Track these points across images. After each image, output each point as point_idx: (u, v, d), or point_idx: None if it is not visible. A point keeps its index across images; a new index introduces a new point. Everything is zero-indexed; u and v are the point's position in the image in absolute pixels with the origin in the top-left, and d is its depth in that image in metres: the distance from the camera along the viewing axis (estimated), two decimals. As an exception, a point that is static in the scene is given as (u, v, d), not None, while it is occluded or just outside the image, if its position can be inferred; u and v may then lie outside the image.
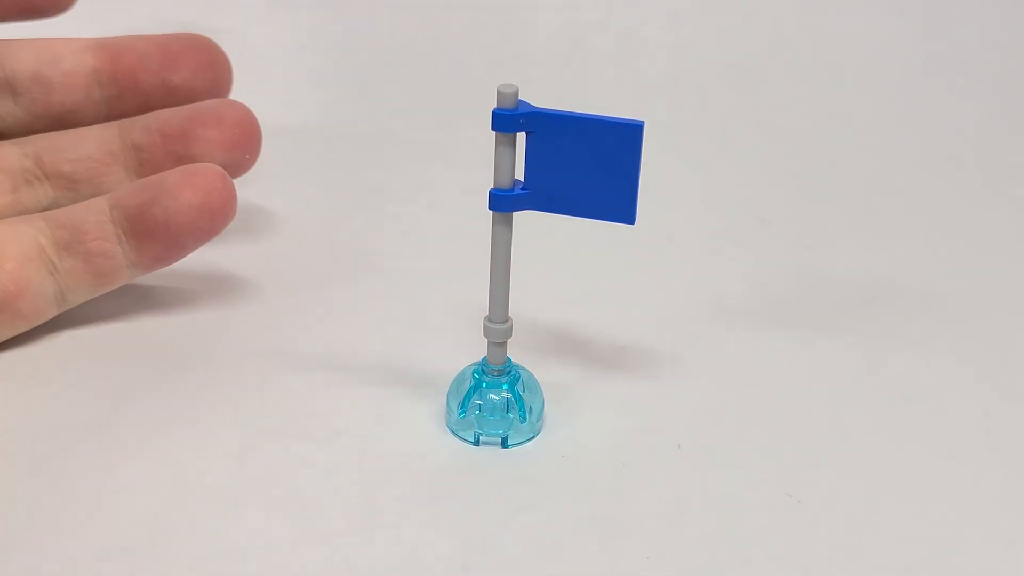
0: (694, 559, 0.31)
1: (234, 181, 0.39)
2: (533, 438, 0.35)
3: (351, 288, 0.42)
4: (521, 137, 0.32)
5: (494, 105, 0.31)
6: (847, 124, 0.55)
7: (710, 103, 0.57)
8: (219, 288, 0.42)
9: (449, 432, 0.35)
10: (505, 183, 0.32)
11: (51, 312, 0.38)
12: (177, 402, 0.36)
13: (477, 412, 0.34)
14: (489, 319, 0.34)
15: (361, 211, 0.48)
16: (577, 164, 0.32)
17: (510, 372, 0.35)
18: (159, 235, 0.38)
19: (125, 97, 0.42)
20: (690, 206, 0.49)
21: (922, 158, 0.53)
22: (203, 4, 0.57)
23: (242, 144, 0.41)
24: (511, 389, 0.35)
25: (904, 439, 0.35)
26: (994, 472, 0.34)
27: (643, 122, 0.31)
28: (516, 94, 0.31)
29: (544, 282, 0.42)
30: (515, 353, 0.36)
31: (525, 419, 0.35)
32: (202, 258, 0.42)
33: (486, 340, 0.34)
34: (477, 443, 0.35)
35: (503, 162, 0.32)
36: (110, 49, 0.42)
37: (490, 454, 0.34)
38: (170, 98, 0.42)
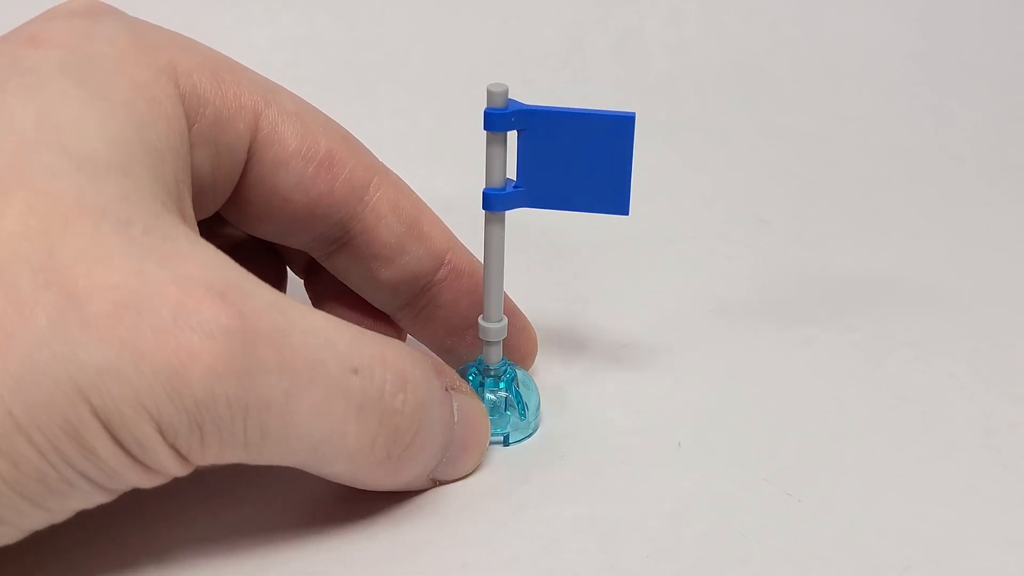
0: (694, 559, 0.31)
1: None
2: (531, 435, 0.35)
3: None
4: (512, 135, 0.32)
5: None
6: (847, 124, 0.56)
7: (710, 103, 0.57)
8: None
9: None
10: (497, 182, 0.32)
11: None
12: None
13: (477, 412, 0.34)
14: (484, 319, 0.34)
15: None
16: (569, 159, 0.32)
17: (506, 371, 0.35)
18: None
19: (411, 306, 0.35)
20: (690, 206, 0.49)
21: (922, 157, 0.53)
22: (204, 4, 0.57)
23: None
24: (508, 387, 0.35)
25: (904, 439, 0.35)
26: (994, 472, 0.34)
27: (634, 114, 0.31)
28: (506, 93, 0.31)
29: (544, 281, 0.42)
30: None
31: (524, 416, 0.35)
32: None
33: (481, 340, 0.34)
34: (477, 443, 0.35)
35: (495, 161, 0.32)
36: (461, 270, 0.35)
37: (489, 453, 0.34)
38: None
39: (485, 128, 0.31)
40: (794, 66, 0.58)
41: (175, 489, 0.32)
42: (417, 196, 0.35)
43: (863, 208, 0.49)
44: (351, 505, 0.32)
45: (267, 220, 0.33)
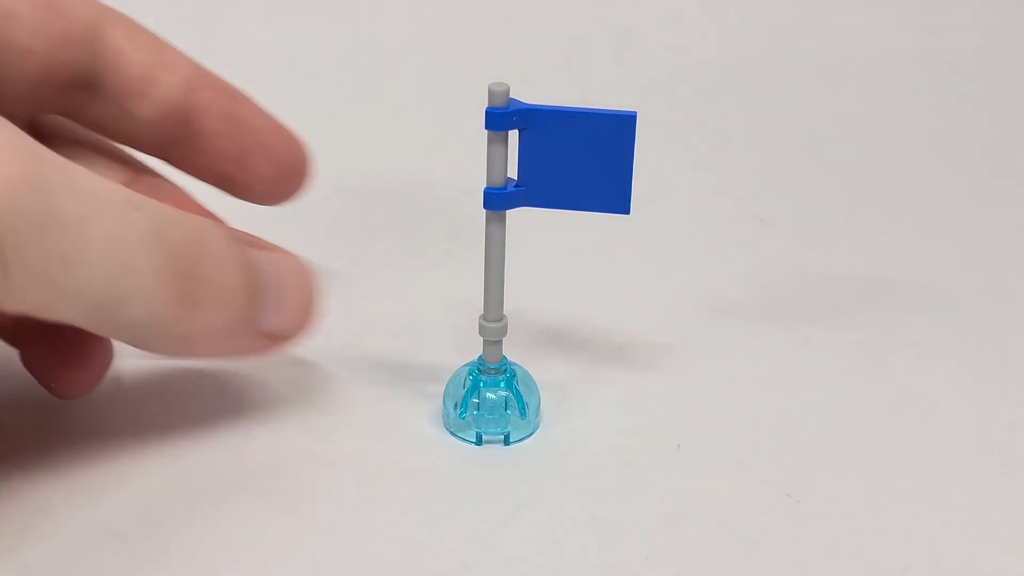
0: (694, 559, 0.31)
1: None
2: (532, 434, 0.35)
3: (350, 286, 0.42)
4: (513, 135, 0.32)
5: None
6: (847, 124, 0.55)
7: (710, 103, 0.56)
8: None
9: (447, 432, 0.35)
10: (498, 182, 0.32)
11: None
12: (175, 394, 0.36)
13: (476, 412, 0.34)
14: (484, 317, 0.34)
15: (360, 210, 0.48)
16: (570, 158, 0.32)
17: (506, 370, 0.35)
18: None
19: (180, 140, 0.36)
20: (690, 206, 0.49)
21: (923, 157, 0.53)
22: (204, 4, 0.57)
23: (288, 183, 0.38)
24: (509, 386, 0.35)
25: (904, 439, 0.35)
26: (994, 472, 0.34)
27: (635, 113, 0.31)
28: (507, 92, 0.31)
29: (543, 281, 0.42)
30: (515, 352, 0.36)
31: (524, 416, 0.35)
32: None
33: (482, 339, 0.34)
34: (479, 443, 0.35)
35: (495, 160, 0.32)
36: (218, 92, 0.36)
37: (489, 453, 0.34)
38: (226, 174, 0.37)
39: (486, 127, 0.31)
40: (794, 66, 0.58)
41: (174, 487, 0.32)
42: (152, 32, 0.36)
43: (863, 208, 0.49)
44: (350, 504, 0.32)
45: (16, 81, 0.33)
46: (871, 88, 0.57)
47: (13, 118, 0.35)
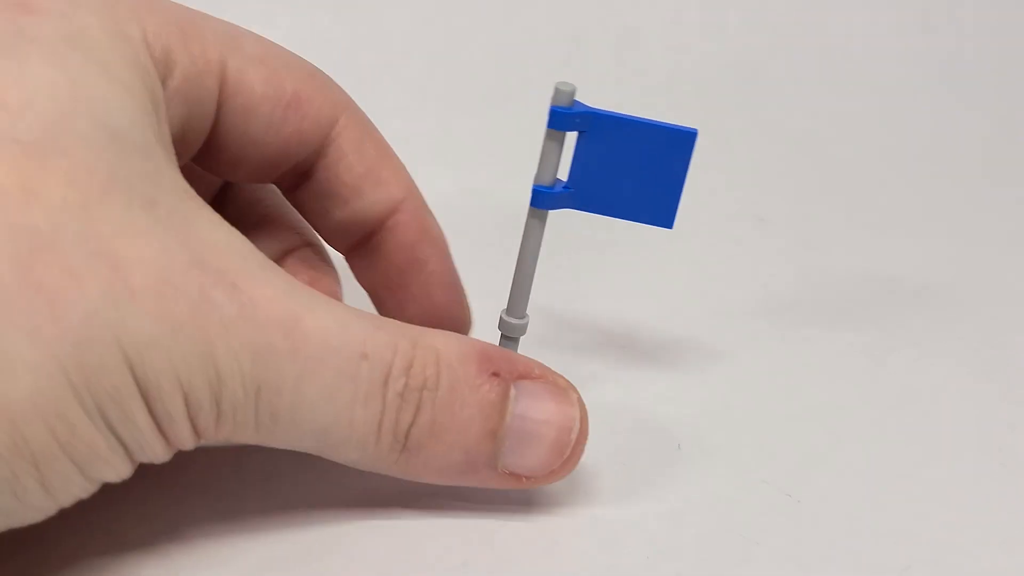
0: (694, 560, 0.31)
1: None
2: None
3: (349, 288, 0.42)
4: (566, 136, 0.31)
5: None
6: (847, 124, 0.56)
7: (710, 103, 0.57)
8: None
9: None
10: (548, 180, 0.32)
11: None
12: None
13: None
14: (508, 313, 0.34)
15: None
16: (624, 166, 0.32)
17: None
18: None
19: (359, 246, 0.35)
20: (690, 205, 0.49)
21: (923, 157, 0.53)
22: (205, 5, 0.57)
23: None
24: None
25: (904, 439, 0.35)
26: (994, 472, 0.34)
27: (696, 130, 0.31)
28: (574, 92, 0.31)
29: (543, 280, 0.42)
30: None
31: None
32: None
33: (500, 333, 0.34)
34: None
35: (549, 159, 0.31)
36: (412, 222, 0.35)
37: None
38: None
39: (549, 126, 0.31)
40: (794, 66, 0.58)
41: (174, 479, 0.32)
42: (384, 140, 0.35)
43: (863, 208, 0.49)
44: (351, 503, 0.32)
45: (241, 165, 0.33)
46: (871, 88, 0.58)
47: (211, 186, 0.35)
